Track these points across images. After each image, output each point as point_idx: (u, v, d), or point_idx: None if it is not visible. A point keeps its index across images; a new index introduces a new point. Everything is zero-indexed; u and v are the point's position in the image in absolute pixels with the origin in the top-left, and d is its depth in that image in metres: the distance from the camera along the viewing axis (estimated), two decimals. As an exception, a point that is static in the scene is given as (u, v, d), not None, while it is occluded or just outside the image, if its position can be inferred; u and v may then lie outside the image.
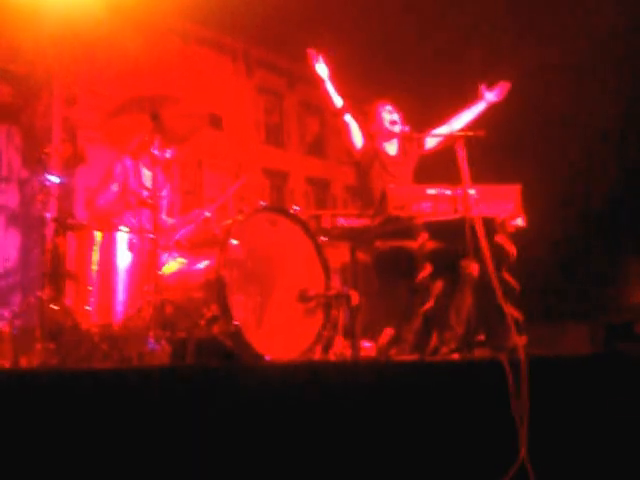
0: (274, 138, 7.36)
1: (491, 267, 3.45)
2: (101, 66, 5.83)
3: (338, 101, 4.53)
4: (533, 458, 2.99)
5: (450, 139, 4.08)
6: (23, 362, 3.71)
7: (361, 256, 4.30)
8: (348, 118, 4.57)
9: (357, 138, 4.61)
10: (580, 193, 6.20)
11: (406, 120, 4.69)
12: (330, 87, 4.50)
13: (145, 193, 4.36)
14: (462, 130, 4.29)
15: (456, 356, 3.91)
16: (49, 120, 5.68)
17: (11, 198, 5.37)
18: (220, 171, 6.55)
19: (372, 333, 4.31)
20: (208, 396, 2.61)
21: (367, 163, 4.61)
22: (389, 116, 4.67)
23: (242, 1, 5.78)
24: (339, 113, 4.55)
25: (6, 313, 4.42)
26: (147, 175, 4.62)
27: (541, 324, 4.80)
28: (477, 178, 3.92)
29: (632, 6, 5.87)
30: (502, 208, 3.96)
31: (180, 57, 6.44)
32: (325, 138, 7.84)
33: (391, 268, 4.25)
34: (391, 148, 4.74)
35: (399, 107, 4.74)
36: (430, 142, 4.74)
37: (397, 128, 4.62)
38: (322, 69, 4.48)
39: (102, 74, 5.82)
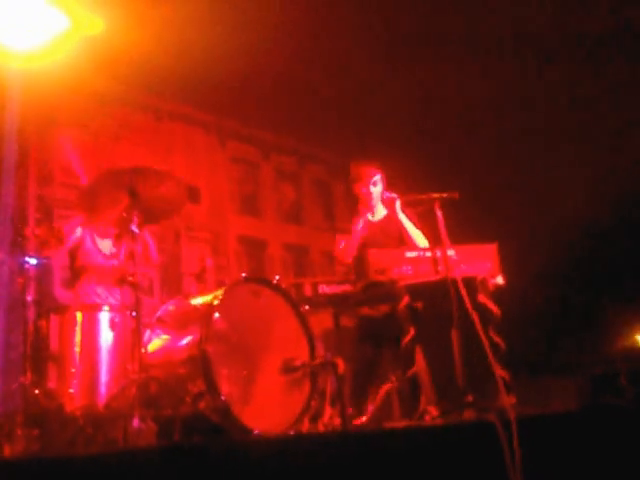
0: (250, 207, 7.41)
1: (479, 327, 3.49)
2: (75, 144, 5.87)
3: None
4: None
5: (427, 202, 4.14)
6: (6, 450, 3.62)
7: (345, 322, 4.30)
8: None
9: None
10: (557, 245, 6.30)
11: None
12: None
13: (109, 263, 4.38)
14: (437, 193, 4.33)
15: (445, 419, 3.89)
16: (24, 200, 5.66)
17: (-14, 280, 5.30)
18: (198, 243, 6.55)
19: (359, 400, 4.28)
20: (198, 475, 2.57)
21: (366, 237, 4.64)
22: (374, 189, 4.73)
23: (210, 74, 5.88)
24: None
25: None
26: (105, 245, 4.63)
27: (527, 381, 4.81)
28: (453, 238, 3.98)
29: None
30: (481, 267, 4.02)
31: (153, 132, 6.51)
32: (301, 205, 7.92)
33: (375, 333, 4.25)
34: (376, 216, 4.83)
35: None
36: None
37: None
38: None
39: (76, 152, 5.85)
